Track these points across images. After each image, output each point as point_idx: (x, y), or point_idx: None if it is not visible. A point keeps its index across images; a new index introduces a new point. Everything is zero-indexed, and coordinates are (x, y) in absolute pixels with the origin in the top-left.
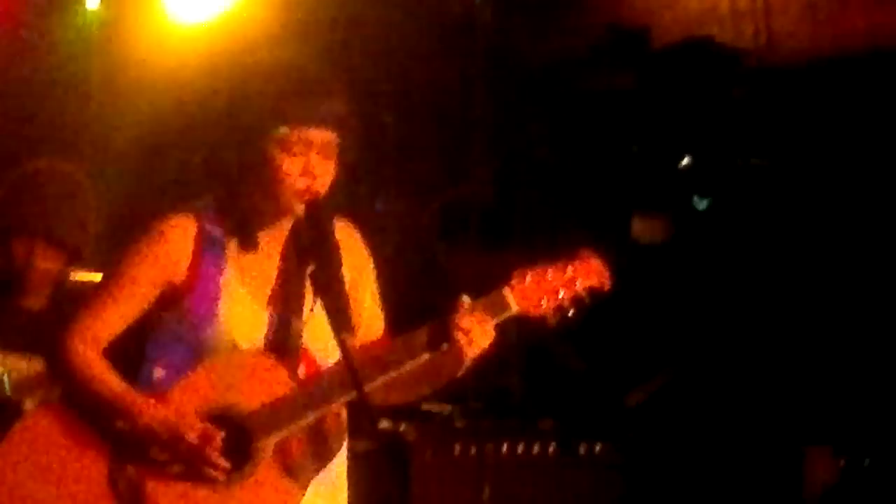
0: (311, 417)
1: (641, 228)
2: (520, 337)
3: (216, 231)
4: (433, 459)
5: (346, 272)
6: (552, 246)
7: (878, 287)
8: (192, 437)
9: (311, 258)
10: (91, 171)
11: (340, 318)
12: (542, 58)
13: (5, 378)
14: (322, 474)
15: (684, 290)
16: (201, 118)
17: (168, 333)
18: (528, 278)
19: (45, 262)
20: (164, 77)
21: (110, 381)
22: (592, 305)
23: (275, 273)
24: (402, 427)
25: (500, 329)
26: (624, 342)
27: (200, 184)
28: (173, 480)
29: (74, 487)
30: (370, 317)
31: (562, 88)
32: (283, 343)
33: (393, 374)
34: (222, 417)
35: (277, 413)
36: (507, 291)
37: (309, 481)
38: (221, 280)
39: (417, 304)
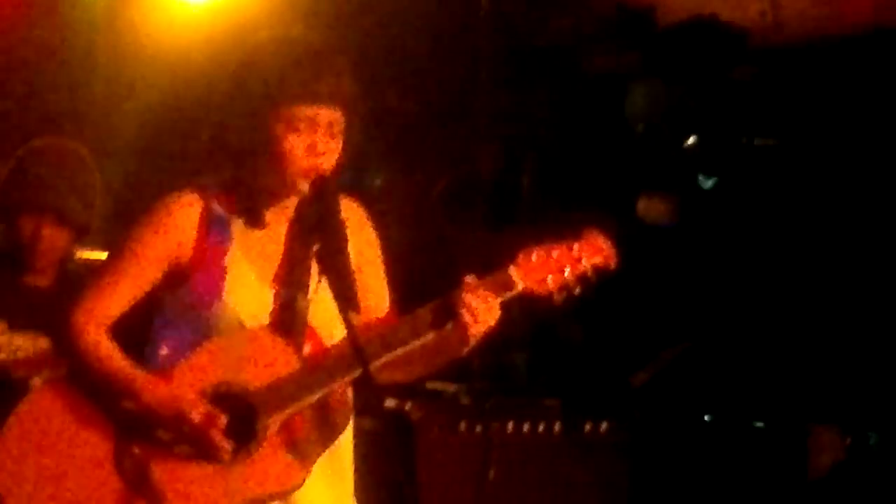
0: (316, 396)
1: (647, 208)
2: (525, 315)
3: (222, 209)
4: (438, 438)
5: (352, 251)
6: (558, 225)
7: (883, 266)
8: (195, 417)
9: (317, 236)
10: (97, 150)
11: (346, 297)
12: (548, 37)
13: None
14: (328, 453)
15: (690, 269)
16: (207, 97)
17: (174, 312)
18: (534, 256)
19: (53, 239)
20: (171, 55)
21: (116, 360)
22: (598, 284)
23: (280, 251)
24: (408, 405)
25: (506, 307)
26: (630, 321)
27: (206, 162)
28: (178, 459)
29: (79, 465)
30: (376, 295)
31: (567, 67)
32: (288, 321)
33: (398, 352)
34: (227, 395)
35: (282, 391)
36: (512, 269)
37: (314, 460)
38: (227, 258)
39: (423, 282)
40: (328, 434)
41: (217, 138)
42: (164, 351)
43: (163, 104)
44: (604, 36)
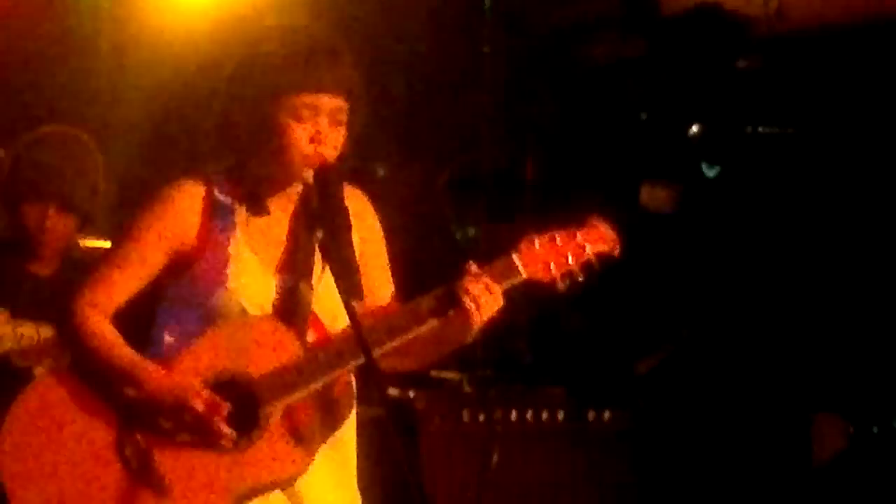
0: (319, 383)
1: (650, 196)
2: (528, 303)
3: (225, 197)
4: (442, 426)
5: (356, 239)
6: (561, 213)
7: (887, 255)
8: (198, 405)
9: (321, 224)
10: (101, 138)
11: (349, 285)
12: (552, 25)
13: None
14: (331, 441)
15: (694, 257)
16: (211, 86)
17: (177, 299)
18: (537, 244)
19: (58, 227)
20: (175, 44)
21: (119, 348)
22: (602, 272)
23: (284, 239)
24: (411, 394)
25: (509, 295)
26: (633, 309)
27: (210, 150)
28: (180, 447)
29: (82, 454)
30: (379, 283)
31: (571, 55)
32: (291, 309)
33: (401, 340)
34: (230, 383)
35: (285, 379)
36: (515, 257)
37: (317, 448)
38: (230, 246)
39: (427, 270)
40: (331, 422)
41: (221, 127)
42: (166, 338)
43: (167, 93)
44: (608, 24)
